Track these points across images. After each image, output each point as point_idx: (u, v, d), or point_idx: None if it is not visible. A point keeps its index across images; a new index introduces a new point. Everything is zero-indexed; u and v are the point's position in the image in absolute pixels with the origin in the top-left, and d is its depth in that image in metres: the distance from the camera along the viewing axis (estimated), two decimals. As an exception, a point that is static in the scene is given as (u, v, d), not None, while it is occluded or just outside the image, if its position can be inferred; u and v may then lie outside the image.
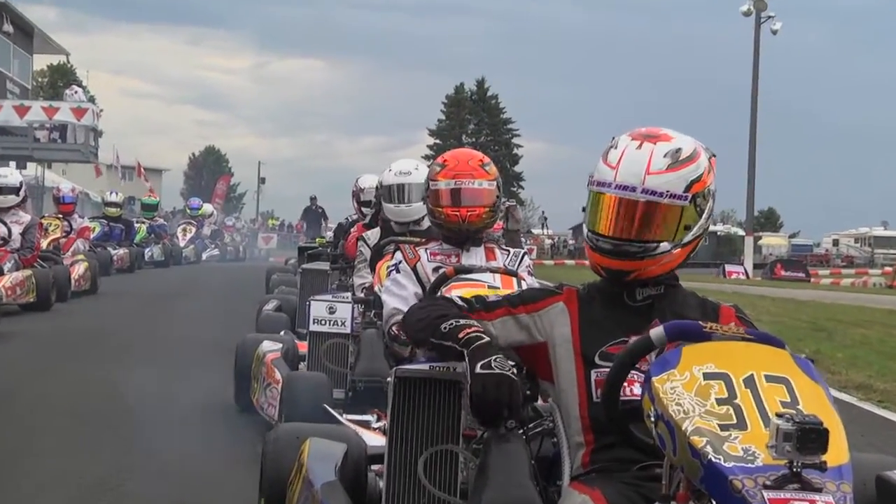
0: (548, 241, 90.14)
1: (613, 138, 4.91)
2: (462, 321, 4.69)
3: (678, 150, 4.70)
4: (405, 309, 5.97)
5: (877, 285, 51.40)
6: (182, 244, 33.11)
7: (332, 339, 7.83)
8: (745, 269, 62.93)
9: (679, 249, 4.66)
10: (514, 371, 4.38)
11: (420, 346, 5.58)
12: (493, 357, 4.38)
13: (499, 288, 5.92)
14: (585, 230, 4.89)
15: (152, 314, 15.99)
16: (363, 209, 15.71)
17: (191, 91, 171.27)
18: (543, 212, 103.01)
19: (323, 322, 7.16)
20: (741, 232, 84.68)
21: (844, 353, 16.63)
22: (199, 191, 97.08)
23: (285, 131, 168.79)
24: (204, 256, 35.43)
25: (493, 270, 6.38)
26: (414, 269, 6.87)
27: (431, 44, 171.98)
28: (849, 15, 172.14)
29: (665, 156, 4.67)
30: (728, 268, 65.13)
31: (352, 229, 14.37)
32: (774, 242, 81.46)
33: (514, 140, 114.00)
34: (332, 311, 7.28)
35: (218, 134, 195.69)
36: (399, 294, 6.74)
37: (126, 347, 13.27)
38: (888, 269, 51.72)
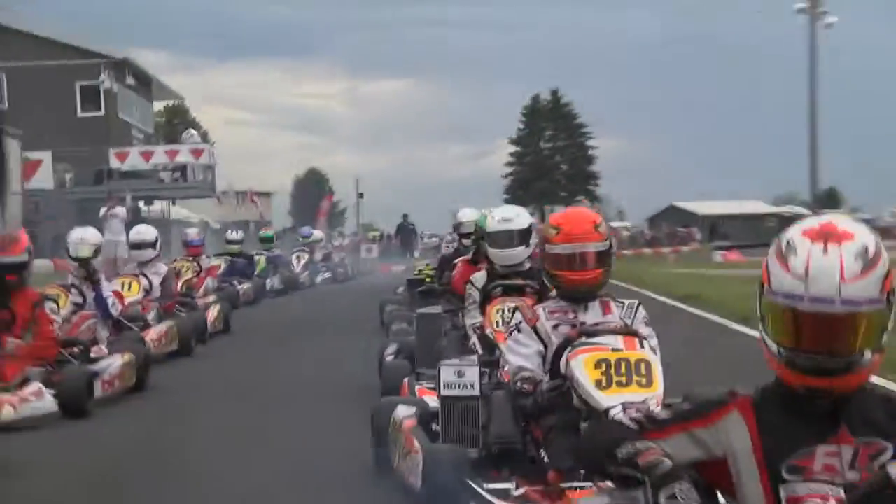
0: (625, 233, 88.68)
1: (785, 241, 4.16)
2: (638, 445, 4.28)
3: (866, 249, 4.01)
4: (529, 365, 6.23)
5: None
6: (297, 271, 33.18)
7: (464, 402, 7.43)
8: None
9: (878, 354, 3.99)
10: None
11: (595, 473, 5.11)
12: (677, 486, 4.02)
13: (622, 350, 5.90)
14: (771, 344, 4.20)
15: (281, 355, 15.78)
16: (464, 240, 16.24)
17: (291, 117, 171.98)
18: (621, 209, 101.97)
19: (453, 386, 6.92)
20: (805, 211, 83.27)
21: None
22: (304, 210, 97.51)
23: (378, 147, 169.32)
24: (318, 280, 35.38)
25: (615, 332, 6.31)
26: (534, 328, 6.62)
27: (507, 57, 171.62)
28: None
29: (856, 259, 3.99)
30: None
31: (456, 262, 14.47)
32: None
33: (589, 142, 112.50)
34: (461, 375, 6.96)
35: (317, 155, 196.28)
36: (522, 352, 6.55)
37: (262, 393, 13.05)
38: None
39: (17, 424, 8.86)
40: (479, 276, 9.85)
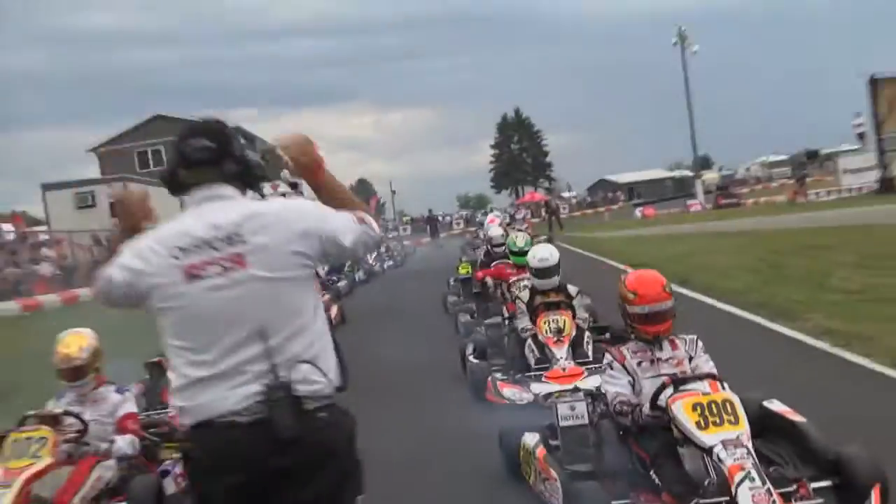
0: (574, 200, 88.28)
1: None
2: None
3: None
4: (624, 392, 5.81)
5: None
6: (371, 262, 30.23)
7: (578, 430, 6.57)
8: (700, 201, 59.38)
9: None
10: None
11: None
12: None
13: (710, 393, 5.22)
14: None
15: (388, 342, 13.19)
16: (495, 249, 14.81)
17: (340, 142, 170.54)
18: (568, 183, 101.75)
19: (569, 418, 6.22)
20: (690, 173, 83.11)
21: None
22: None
23: (400, 156, 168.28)
24: (385, 267, 33.43)
25: (700, 377, 5.58)
26: (623, 365, 5.95)
27: (485, 86, 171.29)
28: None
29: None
30: (689, 202, 61.07)
31: (495, 262, 13.96)
32: (710, 177, 79.02)
33: (543, 141, 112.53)
34: (573, 409, 6.27)
35: (362, 167, 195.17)
36: (617, 383, 5.90)
37: (384, 381, 9.93)
38: (792, 190, 48.83)
39: None
40: (524, 294, 9.35)
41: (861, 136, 46.83)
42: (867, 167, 41.73)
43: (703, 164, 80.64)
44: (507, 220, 57.03)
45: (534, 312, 8.86)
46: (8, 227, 35.24)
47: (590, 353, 8.62)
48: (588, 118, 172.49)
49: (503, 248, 14.08)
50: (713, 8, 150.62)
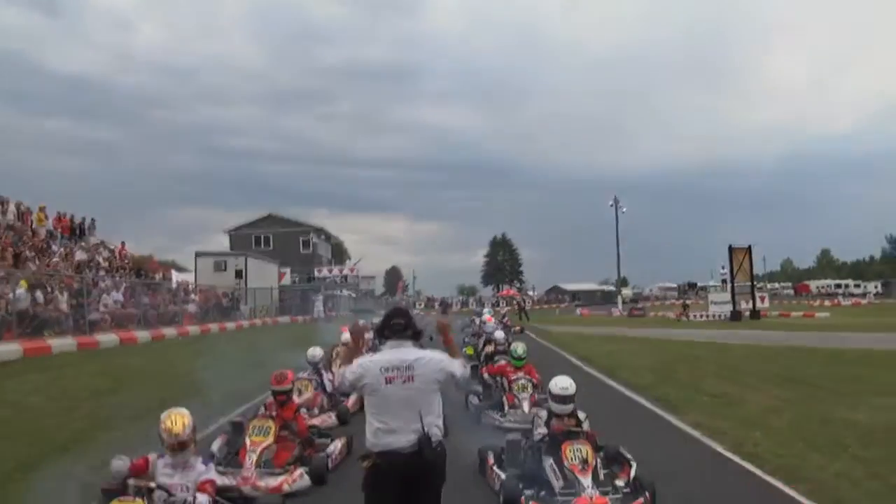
0: (535, 297, 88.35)
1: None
2: None
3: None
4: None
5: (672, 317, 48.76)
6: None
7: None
8: (619, 309, 58.56)
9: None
10: None
11: None
12: None
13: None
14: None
15: None
16: (498, 347, 13.18)
17: (382, 239, 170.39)
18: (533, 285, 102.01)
19: None
20: (613, 288, 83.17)
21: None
22: (390, 287, 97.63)
23: (422, 254, 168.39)
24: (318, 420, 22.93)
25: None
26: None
27: (482, 214, 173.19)
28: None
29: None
30: (612, 308, 59.02)
31: (497, 359, 12.16)
32: (626, 293, 79.26)
33: (520, 255, 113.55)
34: None
35: (395, 257, 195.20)
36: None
37: None
38: (678, 311, 49.54)
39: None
40: (544, 414, 7.11)
41: (724, 281, 48.56)
42: (725, 301, 42.94)
43: (623, 282, 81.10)
44: (493, 306, 57.79)
45: (553, 436, 6.59)
46: (175, 276, 36.10)
47: (601, 475, 6.35)
48: (549, 241, 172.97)
49: (503, 349, 12.71)
50: (640, 181, 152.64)
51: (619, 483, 6.31)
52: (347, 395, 10.57)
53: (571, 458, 6.25)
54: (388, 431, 4.17)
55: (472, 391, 11.32)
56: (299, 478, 6.92)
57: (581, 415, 7.11)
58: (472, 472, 7.30)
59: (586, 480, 6.07)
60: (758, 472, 7.36)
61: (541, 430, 6.90)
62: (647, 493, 6.01)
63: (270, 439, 7.24)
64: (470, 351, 16.31)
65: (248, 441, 7.23)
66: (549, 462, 6.44)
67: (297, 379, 9.87)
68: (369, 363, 4.31)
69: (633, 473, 6.36)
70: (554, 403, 7.02)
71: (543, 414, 7.14)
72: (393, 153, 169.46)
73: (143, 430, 8.77)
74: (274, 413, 7.73)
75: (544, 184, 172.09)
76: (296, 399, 8.85)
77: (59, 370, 13.68)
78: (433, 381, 4.29)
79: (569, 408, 6.96)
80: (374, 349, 5.29)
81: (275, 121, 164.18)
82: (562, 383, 7.03)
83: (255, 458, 6.99)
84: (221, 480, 5.92)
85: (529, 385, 10.52)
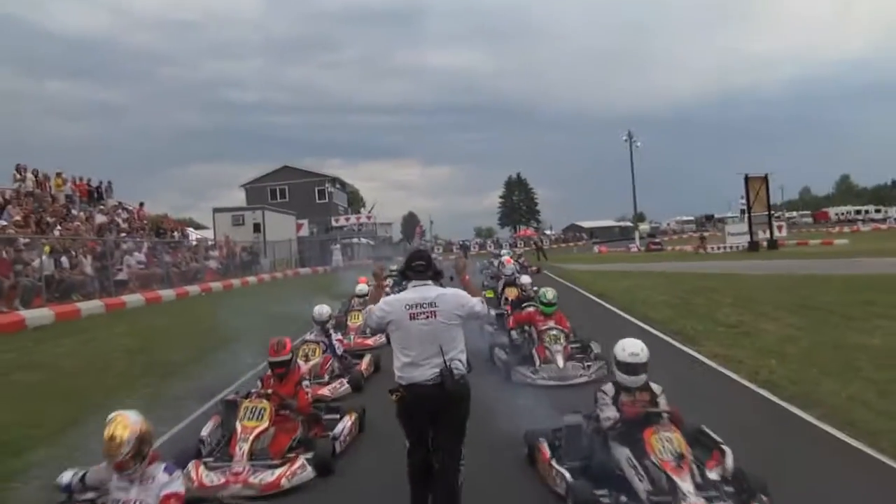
0: (553, 237, 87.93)
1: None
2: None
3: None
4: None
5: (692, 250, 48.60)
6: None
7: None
8: (637, 245, 58.19)
9: None
10: None
11: None
12: None
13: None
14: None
15: None
16: (523, 293, 12.71)
17: (397, 185, 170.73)
18: (550, 224, 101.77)
19: None
20: (630, 224, 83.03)
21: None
22: (408, 232, 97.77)
23: (437, 198, 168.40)
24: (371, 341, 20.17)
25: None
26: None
27: (496, 154, 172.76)
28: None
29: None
30: (629, 244, 59.27)
31: (526, 306, 10.95)
32: (643, 228, 79.03)
33: (535, 195, 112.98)
34: None
35: (410, 202, 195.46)
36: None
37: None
38: (696, 244, 49.33)
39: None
40: (608, 387, 5.39)
41: (742, 212, 47.90)
42: (743, 232, 42.72)
43: (640, 218, 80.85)
44: (511, 247, 57.91)
45: (629, 421, 5.09)
46: (193, 233, 36.48)
47: (697, 473, 4.79)
48: (565, 180, 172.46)
49: (529, 294, 12.15)
50: (653, 115, 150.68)
51: (713, 476, 4.85)
52: (361, 357, 10.19)
53: (660, 452, 4.74)
54: (413, 365, 4.51)
55: (488, 322, 11.04)
56: (300, 469, 5.88)
57: (656, 388, 5.41)
58: (519, 461, 5.99)
59: (685, 483, 4.57)
60: (774, 398, 7.57)
61: (609, 414, 5.24)
62: (763, 497, 4.58)
63: (265, 423, 6.20)
64: (490, 294, 15.39)
65: (238, 427, 6.17)
66: (625, 455, 4.97)
67: (304, 342, 9.88)
68: (395, 300, 4.69)
69: (729, 464, 4.95)
70: (622, 374, 5.36)
71: (608, 389, 5.41)
72: (396, 93, 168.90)
73: (174, 385, 9.32)
74: (270, 390, 6.56)
75: (557, 122, 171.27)
76: (302, 366, 8.35)
77: (89, 332, 14.05)
78: (454, 317, 4.60)
79: (640, 379, 5.32)
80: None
81: (280, 72, 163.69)
82: (631, 348, 5.40)
83: (246, 447, 5.96)
84: (210, 479, 5.62)
85: (562, 336, 9.61)
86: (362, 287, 14.41)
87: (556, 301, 10.14)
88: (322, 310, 10.11)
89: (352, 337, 12.23)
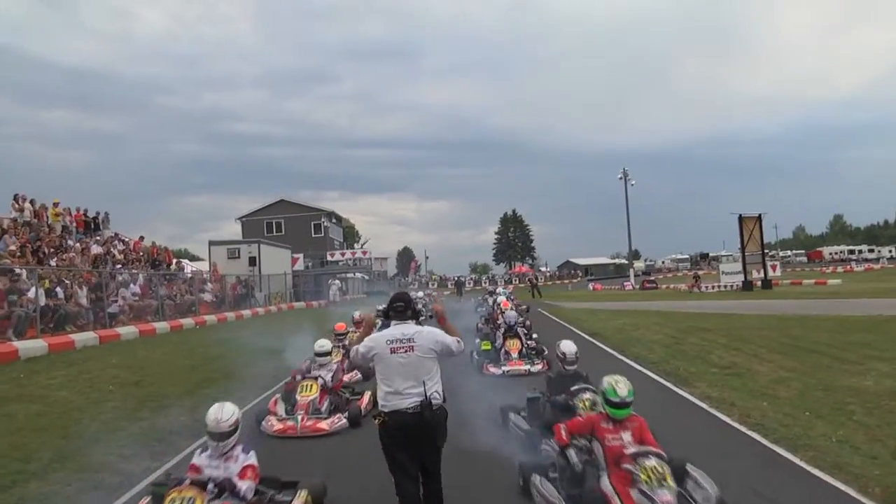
0: (548, 273, 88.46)
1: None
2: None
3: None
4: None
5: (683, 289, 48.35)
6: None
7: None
8: (632, 283, 58.61)
9: None
10: None
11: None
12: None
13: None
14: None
15: None
16: (567, 367, 8.15)
17: (393, 220, 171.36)
18: (545, 261, 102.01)
19: None
20: (625, 261, 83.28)
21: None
22: (403, 267, 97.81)
23: (433, 233, 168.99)
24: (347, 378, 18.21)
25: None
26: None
27: (490, 189, 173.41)
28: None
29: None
30: (624, 282, 60.05)
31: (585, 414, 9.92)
32: (638, 266, 79.41)
33: (530, 231, 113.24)
34: None
35: (406, 237, 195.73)
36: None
37: None
38: (690, 282, 49.53)
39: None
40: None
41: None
42: (737, 271, 43.00)
43: (635, 255, 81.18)
44: (506, 283, 57.82)
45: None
46: (188, 265, 36.49)
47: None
48: (560, 217, 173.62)
49: (573, 367, 8.04)
50: (647, 153, 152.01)
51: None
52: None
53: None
54: (395, 394, 4.97)
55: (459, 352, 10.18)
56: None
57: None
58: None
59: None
60: (763, 440, 7.57)
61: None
62: None
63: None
64: (487, 346, 14.31)
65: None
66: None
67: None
68: (378, 336, 5.20)
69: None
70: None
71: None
72: (392, 130, 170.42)
73: (169, 418, 9.29)
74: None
75: (552, 158, 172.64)
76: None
77: (83, 364, 13.98)
78: (430, 351, 5.08)
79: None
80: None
81: (278, 104, 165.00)
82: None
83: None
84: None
85: (665, 467, 5.03)
86: (358, 314, 16.54)
87: (632, 398, 5.60)
88: (323, 343, 10.56)
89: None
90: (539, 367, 13.01)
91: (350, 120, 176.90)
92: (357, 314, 17.07)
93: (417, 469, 5.02)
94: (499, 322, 15.93)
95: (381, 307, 6.41)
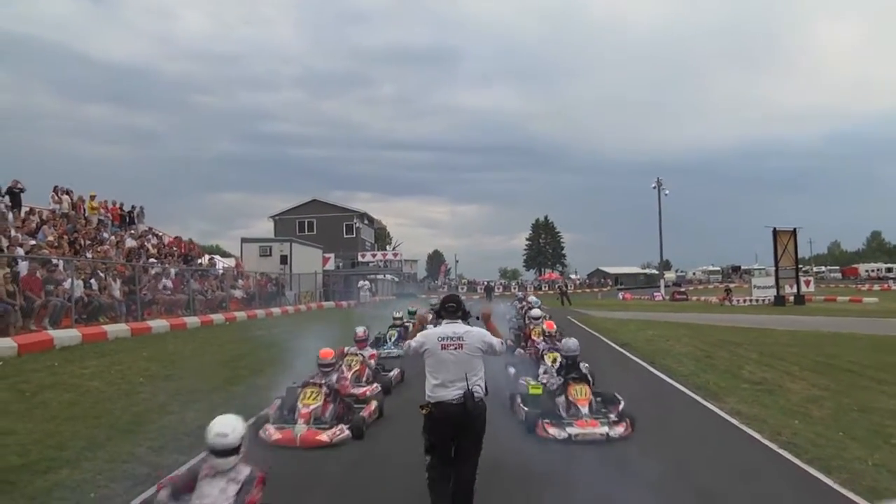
0: (578, 281, 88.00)
1: None
2: None
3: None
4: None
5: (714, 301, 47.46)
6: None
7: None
8: (662, 294, 58.41)
9: None
10: None
11: None
12: None
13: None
14: None
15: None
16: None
17: (424, 223, 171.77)
18: (576, 269, 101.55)
19: None
20: (656, 272, 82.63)
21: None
22: (432, 271, 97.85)
23: (463, 237, 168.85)
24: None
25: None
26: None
27: (523, 195, 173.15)
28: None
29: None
30: (654, 293, 59.60)
31: None
32: (669, 276, 78.79)
33: (561, 238, 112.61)
34: None
35: (437, 240, 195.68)
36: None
37: None
38: (721, 295, 49.07)
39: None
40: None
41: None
42: (769, 286, 42.38)
43: (665, 266, 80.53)
44: (535, 290, 57.63)
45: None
46: (220, 261, 36.84)
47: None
48: (592, 225, 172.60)
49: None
50: (683, 163, 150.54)
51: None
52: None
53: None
54: (441, 386, 5.41)
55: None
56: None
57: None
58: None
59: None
60: (795, 460, 7.42)
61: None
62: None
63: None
64: (537, 390, 9.69)
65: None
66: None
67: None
68: (430, 333, 5.66)
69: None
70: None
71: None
72: (429, 133, 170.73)
73: (199, 413, 9.33)
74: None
75: (586, 166, 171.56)
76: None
77: (115, 355, 14.13)
78: (476, 349, 5.55)
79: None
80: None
81: (316, 105, 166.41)
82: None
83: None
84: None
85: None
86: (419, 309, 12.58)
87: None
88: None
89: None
90: (621, 429, 8.50)
91: (387, 122, 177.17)
92: (397, 313, 18.09)
93: (451, 454, 5.46)
94: (539, 346, 13.02)
95: (433, 304, 6.82)
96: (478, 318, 6.11)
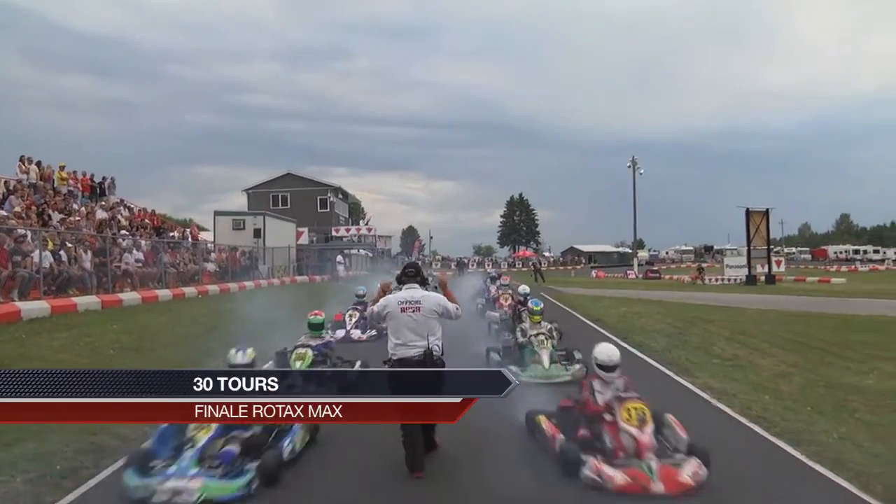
0: (551, 258, 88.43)
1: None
2: None
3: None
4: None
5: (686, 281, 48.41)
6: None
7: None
8: (635, 272, 59.01)
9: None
10: None
11: None
12: None
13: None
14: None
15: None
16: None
17: (400, 198, 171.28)
18: (549, 246, 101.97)
19: None
20: (629, 250, 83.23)
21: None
22: (406, 247, 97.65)
23: (439, 213, 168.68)
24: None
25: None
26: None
27: (498, 171, 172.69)
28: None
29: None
30: (628, 271, 60.60)
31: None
32: (642, 255, 79.30)
33: (535, 215, 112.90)
34: None
35: (411, 216, 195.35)
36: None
37: None
38: (693, 274, 49.41)
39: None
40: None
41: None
42: (741, 265, 42.85)
43: (639, 244, 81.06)
44: (508, 266, 57.75)
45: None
46: (192, 234, 36.39)
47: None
48: (567, 203, 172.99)
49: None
50: (658, 142, 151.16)
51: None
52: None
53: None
54: (402, 345, 6.05)
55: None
56: None
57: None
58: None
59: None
60: (764, 434, 7.53)
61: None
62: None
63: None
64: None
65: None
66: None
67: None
68: (391, 298, 6.26)
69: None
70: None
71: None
72: (405, 107, 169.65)
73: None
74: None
75: (562, 144, 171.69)
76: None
77: (85, 327, 13.92)
78: (433, 312, 6.18)
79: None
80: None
81: (292, 78, 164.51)
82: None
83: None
84: None
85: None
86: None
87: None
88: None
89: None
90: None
91: (364, 96, 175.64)
92: (361, 290, 16.97)
93: None
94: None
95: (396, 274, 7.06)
96: (436, 288, 6.96)
